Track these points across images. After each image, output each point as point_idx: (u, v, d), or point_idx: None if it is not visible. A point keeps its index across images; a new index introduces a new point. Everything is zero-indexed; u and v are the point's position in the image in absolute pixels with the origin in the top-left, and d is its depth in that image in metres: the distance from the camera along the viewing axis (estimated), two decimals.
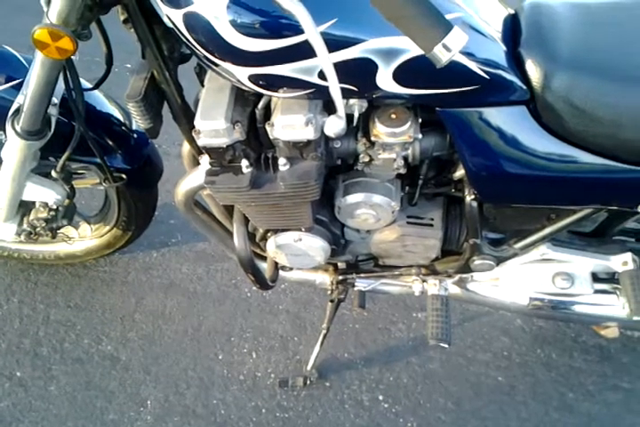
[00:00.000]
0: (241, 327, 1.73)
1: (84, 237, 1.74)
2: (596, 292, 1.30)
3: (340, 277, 1.44)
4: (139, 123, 1.07)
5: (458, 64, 0.91)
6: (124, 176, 1.41)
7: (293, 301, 1.78)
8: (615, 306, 1.30)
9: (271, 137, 1.01)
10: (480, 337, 1.69)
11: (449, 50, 0.70)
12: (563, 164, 1.02)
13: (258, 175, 1.05)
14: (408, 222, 1.26)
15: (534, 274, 1.31)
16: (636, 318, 1.21)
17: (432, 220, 1.26)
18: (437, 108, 0.99)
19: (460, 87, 0.94)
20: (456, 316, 1.73)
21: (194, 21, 0.87)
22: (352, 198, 1.17)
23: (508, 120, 1.00)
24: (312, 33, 0.78)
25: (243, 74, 0.92)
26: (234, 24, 0.85)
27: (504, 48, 0.96)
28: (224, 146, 1.00)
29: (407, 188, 1.22)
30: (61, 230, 1.55)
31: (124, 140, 1.45)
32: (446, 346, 1.30)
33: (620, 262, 1.25)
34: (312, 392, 1.59)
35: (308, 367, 1.59)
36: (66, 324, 1.74)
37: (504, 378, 1.61)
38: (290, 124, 0.96)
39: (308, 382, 1.58)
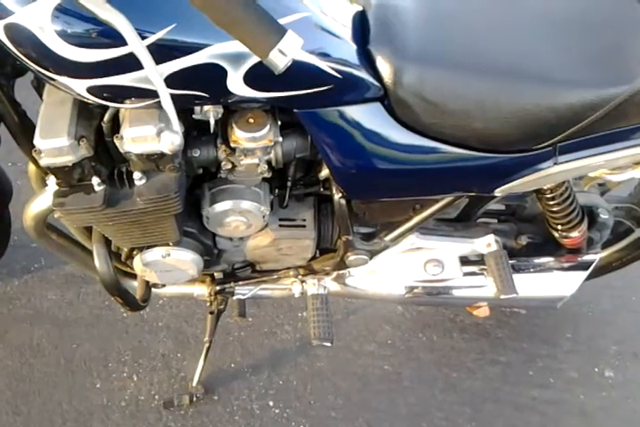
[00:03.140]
0: (118, 351, 1.63)
1: None
2: (466, 274, 1.35)
3: (218, 288, 1.39)
4: None
5: (309, 65, 0.90)
6: None
7: (173, 315, 1.70)
8: (484, 286, 1.36)
9: (122, 151, 0.94)
10: (364, 329, 1.71)
11: (285, 55, 0.69)
12: (420, 156, 1.05)
13: (112, 192, 0.99)
14: (280, 225, 1.24)
15: (407, 263, 1.34)
16: (502, 297, 1.28)
17: (304, 220, 1.25)
18: (295, 110, 0.97)
19: (313, 88, 0.93)
20: (340, 310, 1.74)
21: (17, 34, 0.79)
22: (220, 207, 1.13)
23: (365, 118, 1.00)
24: (134, 43, 0.74)
25: (81, 87, 0.85)
26: (61, 34, 0.78)
27: (354, 46, 0.96)
28: (70, 164, 0.93)
29: (276, 190, 1.20)
30: None
31: None
32: (329, 344, 1.31)
33: (485, 244, 1.31)
34: (200, 409, 1.54)
35: (194, 384, 1.52)
36: None
37: (390, 366, 1.64)
38: (140, 135, 0.91)
39: (195, 398, 1.52)
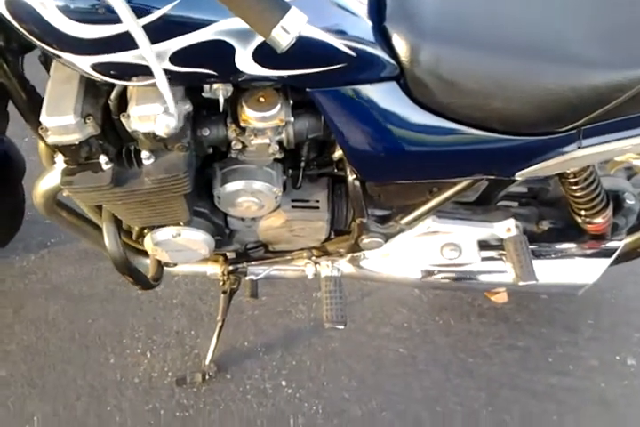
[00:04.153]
0: (132, 327, 1.63)
1: None
2: (485, 259, 1.32)
3: (231, 267, 1.38)
4: None
5: (321, 42, 0.85)
6: None
7: (188, 293, 1.70)
8: (503, 272, 1.32)
9: (129, 129, 0.92)
10: (380, 311, 1.69)
11: (288, 33, 0.65)
12: (437, 137, 1.01)
13: (120, 171, 0.97)
14: (293, 207, 1.21)
15: (423, 247, 1.31)
16: (521, 283, 1.24)
17: (317, 202, 1.22)
18: (307, 89, 0.93)
19: (326, 66, 0.89)
20: (355, 292, 1.71)
21: (19, 9, 0.77)
22: (231, 187, 1.10)
23: (380, 97, 0.96)
24: (128, 20, 0.71)
25: (85, 64, 0.82)
26: (63, 10, 0.75)
27: (370, 23, 0.91)
28: (77, 142, 0.91)
29: (289, 170, 1.17)
30: None
31: None
32: (342, 327, 1.29)
33: (504, 229, 1.27)
34: (212, 387, 1.54)
35: (207, 362, 1.52)
36: None
37: (405, 349, 1.62)
38: (147, 114, 0.88)
39: (207, 376, 1.52)
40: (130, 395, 1.52)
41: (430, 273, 1.34)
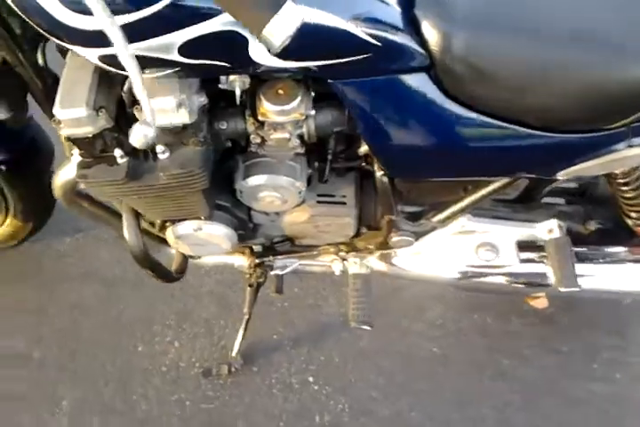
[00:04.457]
0: (163, 314, 1.62)
1: None
2: (524, 261, 1.23)
3: (257, 260, 1.34)
4: None
5: (342, 32, 0.79)
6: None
7: (217, 282, 1.67)
8: (544, 276, 1.24)
9: None
10: (414, 306, 1.63)
11: (282, 32, 0.58)
12: (469, 132, 0.93)
13: (135, 166, 0.93)
14: (318, 202, 1.16)
15: (457, 246, 1.23)
16: (562, 290, 1.15)
17: (344, 197, 1.16)
18: (330, 80, 0.87)
19: (348, 57, 0.82)
20: (388, 285, 1.64)
21: (24, 3, 0.75)
22: (253, 181, 1.05)
23: (408, 89, 0.89)
24: (99, 14, 0.65)
25: (92, 55, 0.79)
26: (63, 1, 0.72)
27: (398, 10, 0.83)
28: (90, 135, 0.88)
29: (316, 164, 1.11)
30: None
31: None
32: (368, 328, 1.23)
33: (546, 230, 1.18)
34: (239, 379, 1.51)
35: (233, 354, 1.50)
36: None
37: (438, 348, 1.56)
38: (160, 107, 0.84)
39: (233, 369, 1.50)
40: (156, 384, 1.51)
41: (464, 274, 1.27)
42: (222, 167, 1.07)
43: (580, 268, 1.18)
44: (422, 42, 0.84)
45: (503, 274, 1.26)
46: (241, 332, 1.48)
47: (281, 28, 0.59)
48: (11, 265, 1.73)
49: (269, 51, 0.62)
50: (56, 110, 0.85)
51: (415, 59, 0.85)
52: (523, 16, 0.84)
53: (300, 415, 1.47)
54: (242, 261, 1.36)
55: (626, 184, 1.08)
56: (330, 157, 1.09)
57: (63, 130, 0.87)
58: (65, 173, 1.06)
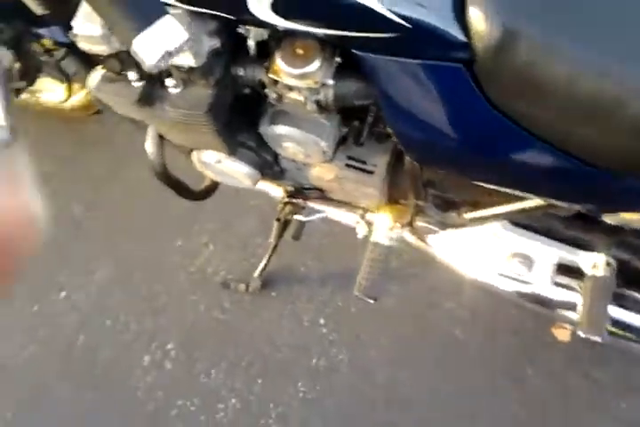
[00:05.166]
0: (206, 215, 1.63)
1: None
2: (558, 285, 1.07)
3: (288, 199, 1.28)
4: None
5: (361, 7, 0.66)
6: None
7: (267, 200, 1.62)
8: (574, 307, 1.06)
9: None
10: (450, 282, 1.43)
11: (153, 49, 0.48)
12: (497, 142, 0.78)
13: (149, 93, 0.89)
14: (347, 165, 1.04)
15: (490, 248, 1.08)
16: (582, 334, 0.99)
17: (375, 166, 1.03)
18: (353, 51, 0.74)
19: (368, 32, 0.70)
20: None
21: None
22: (277, 130, 0.96)
23: (440, 80, 0.74)
24: None
25: None
26: None
27: None
28: (105, 54, 0.84)
29: (355, 122, 0.99)
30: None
31: None
32: (371, 302, 1.16)
33: (590, 263, 0.99)
34: (255, 300, 1.52)
35: (255, 275, 1.50)
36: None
37: (461, 333, 1.44)
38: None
39: (249, 289, 1.50)
40: (181, 281, 1.56)
41: (490, 278, 1.13)
42: (252, 106, 0.98)
43: (619, 314, 1.00)
44: (465, 30, 0.67)
45: (530, 289, 1.10)
46: (265, 258, 1.46)
47: (152, 45, 0.49)
48: (86, 133, 1.80)
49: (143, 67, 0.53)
50: (74, 22, 0.80)
51: (452, 48, 0.69)
52: (602, 13, 0.64)
53: (299, 352, 1.46)
54: (276, 191, 1.30)
55: None
56: (370, 119, 0.96)
57: (80, 44, 0.83)
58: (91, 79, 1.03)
